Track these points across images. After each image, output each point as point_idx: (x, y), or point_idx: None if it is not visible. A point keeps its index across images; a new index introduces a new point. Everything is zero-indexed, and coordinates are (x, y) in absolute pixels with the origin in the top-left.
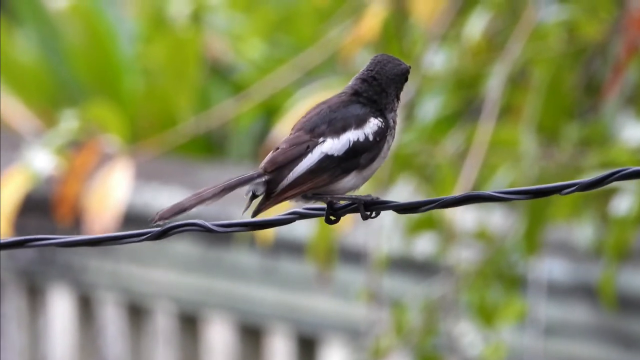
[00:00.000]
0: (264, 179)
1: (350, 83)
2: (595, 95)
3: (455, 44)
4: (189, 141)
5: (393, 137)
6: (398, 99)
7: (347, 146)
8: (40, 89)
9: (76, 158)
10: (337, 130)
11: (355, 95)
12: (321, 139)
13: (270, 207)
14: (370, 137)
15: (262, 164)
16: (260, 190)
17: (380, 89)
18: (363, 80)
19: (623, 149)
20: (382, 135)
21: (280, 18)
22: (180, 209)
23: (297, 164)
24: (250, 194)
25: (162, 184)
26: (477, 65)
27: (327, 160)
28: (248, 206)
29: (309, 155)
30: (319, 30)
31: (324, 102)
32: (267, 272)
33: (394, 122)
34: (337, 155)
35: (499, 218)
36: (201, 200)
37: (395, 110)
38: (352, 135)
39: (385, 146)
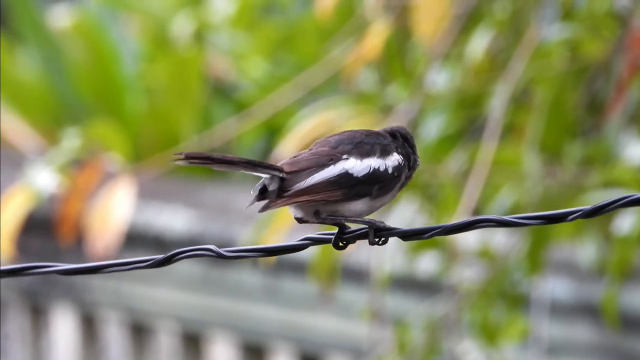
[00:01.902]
0: (281, 175)
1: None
2: (598, 114)
3: (457, 63)
4: None
5: (408, 178)
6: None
7: (368, 171)
8: (42, 107)
9: (78, 177)
10: (362, 153)
11: (389, 133)
12: (345, 156)
13: (280, 206)
14: (390, 170)
15: (281, 164)
16: (273, 185)
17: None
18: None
19: (626, 168)
20: (399, 171)
21: (283, 37)
22: (206, 157)
23: (317, 172)
24: (257, 191)
25: (164, 203)
26: (480, 84)
27: (346, 177)
28: (252, 202)
29: (331, 167)
30: (322, 49)
31: (355, 130)
32: (269, 291)
33: (414, 165)
34: (356, 176)
35: (502, 237)
36: (225, 161)
37: (413, 158)
38: (374, 163)
39: (398, 184)
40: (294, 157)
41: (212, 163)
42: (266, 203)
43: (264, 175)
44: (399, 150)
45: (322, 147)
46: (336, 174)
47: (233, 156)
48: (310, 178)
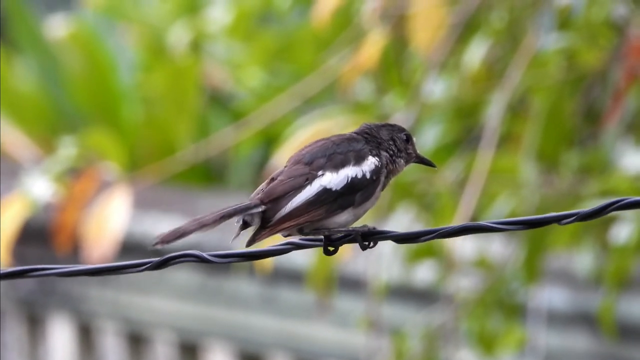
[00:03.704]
0: (260, 210)
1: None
2: (595, 123)
3: (454, 72)
4: (188, 169)
5: (387, 178)
6: (399, 146)
7: (346, 182)
8: (39, 117)
9: (75, 185)
10: (336, 164)
11: (358, 134)
12: (320, 172)
13: (265, 237)
14: (367, 175)
15: (258, 195)
16: (255, 220)
17: (378, 136)
18: (368, 127)
19: (623, 177)
20: (377, 174)
21: (280, 46)
22: (181, 234)
23: (295, 196)
24: (241, 222)
25: (161, 213)
26: (477, 93)
27: (325, 194)
28: (237, 234)
29: (308, 187)
30: (319, 58)
31: (328, 137)
32: (266, 300)
33: (392, 164)
34: (335, 190)
35: (498, 246)
36: (201, 226)
37: (396, 155)
38: (350, 172)
39: (379, 187)
40: (269, 182)
41: (188, 234)
42: (251, 237)
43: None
44: (374, 152)
45: (296, 164)
46: (314, 193)
47: (206, 217)
48: (289, 203)
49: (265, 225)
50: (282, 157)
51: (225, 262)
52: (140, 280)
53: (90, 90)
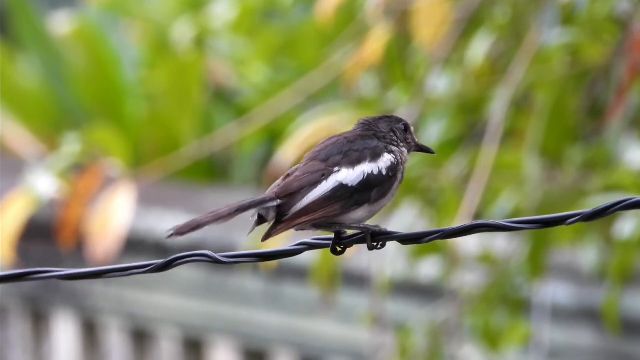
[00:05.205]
0: (275, 204)
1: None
2: (599, 118)
3: (458, 67)
4: (192, 165)
5: (403, 175)
6: (399, 137)
7: (362, 178)
8: (43, 113)
9: (79, 182)
10: (352, 161)
11: (369, 130)
12: (336, 168)
13: (281, 232)
14: (384, 172)
15: (274, 189)
16: (271, 215)
17: (378, 130)
18: (366, 122)
19: (626, 172)
20: (394, 170)
21: (284, 42)
22: (196, 225)
23: (311, 191)
24: (256, 217)
25: (165, 209)
26: (480, 89)
27: (342, 190)
28: (253, 229)
29: (324, 182)
30: (322, 54)
31: (340, 134)
32: (271, 296)
33: (403, 159)
34: (352, 186)
35: (502, 241)
36: (217, 218)
37: (400, 146)
38: (366, 168)
39: (396, 183)
40: (285, 177)
41: (204, 226)
42: (267, 231)
43: (260, 208)
44: (389, 148)
45: (311, 161)
46: (330, 189)
47: (222, 209)
48: (305, 198)
49: (281, 220)
50: (286, 153)
51: (236, 263)
52: (144, 276)
53: (93, 87)
